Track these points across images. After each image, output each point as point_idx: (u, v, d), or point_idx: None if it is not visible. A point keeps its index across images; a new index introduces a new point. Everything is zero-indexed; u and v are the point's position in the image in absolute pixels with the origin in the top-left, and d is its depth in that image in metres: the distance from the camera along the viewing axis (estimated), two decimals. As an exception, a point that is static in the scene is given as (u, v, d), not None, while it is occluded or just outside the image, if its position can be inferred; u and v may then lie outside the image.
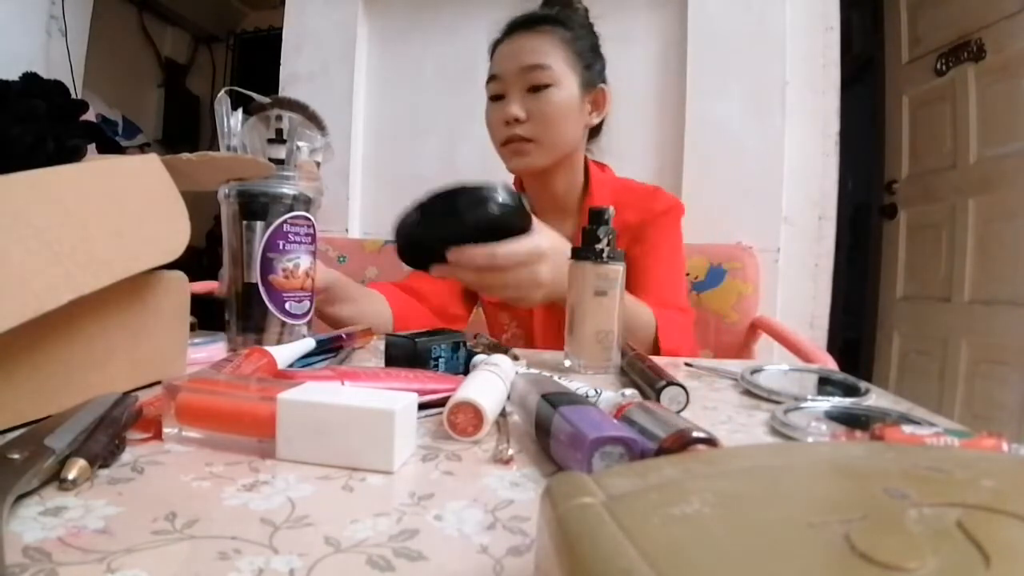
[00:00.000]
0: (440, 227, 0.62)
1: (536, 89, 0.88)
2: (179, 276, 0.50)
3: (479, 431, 0.37)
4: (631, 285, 0.86)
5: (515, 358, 0.60)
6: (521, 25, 0.92)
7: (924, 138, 2.19)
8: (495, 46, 0.94)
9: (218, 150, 0.71)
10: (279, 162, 0.75)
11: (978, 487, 0.18)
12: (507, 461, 0.34)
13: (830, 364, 0.83)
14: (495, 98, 0.91)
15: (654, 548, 0.15)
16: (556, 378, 0.47)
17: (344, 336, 0.68)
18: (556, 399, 0.37)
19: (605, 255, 0.63)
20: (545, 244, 0.64)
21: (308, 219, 0.76)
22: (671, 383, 0.49)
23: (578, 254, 0.64)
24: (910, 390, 2.11)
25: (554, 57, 0.88)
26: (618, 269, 0.63)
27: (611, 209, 0.64)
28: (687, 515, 0.17)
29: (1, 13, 1.73)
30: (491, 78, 0.91)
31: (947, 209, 2.03)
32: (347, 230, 1.60)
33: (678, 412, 0.46)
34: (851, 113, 1.61)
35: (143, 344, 0.46)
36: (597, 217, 0.64)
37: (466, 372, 0.53)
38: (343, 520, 0.26)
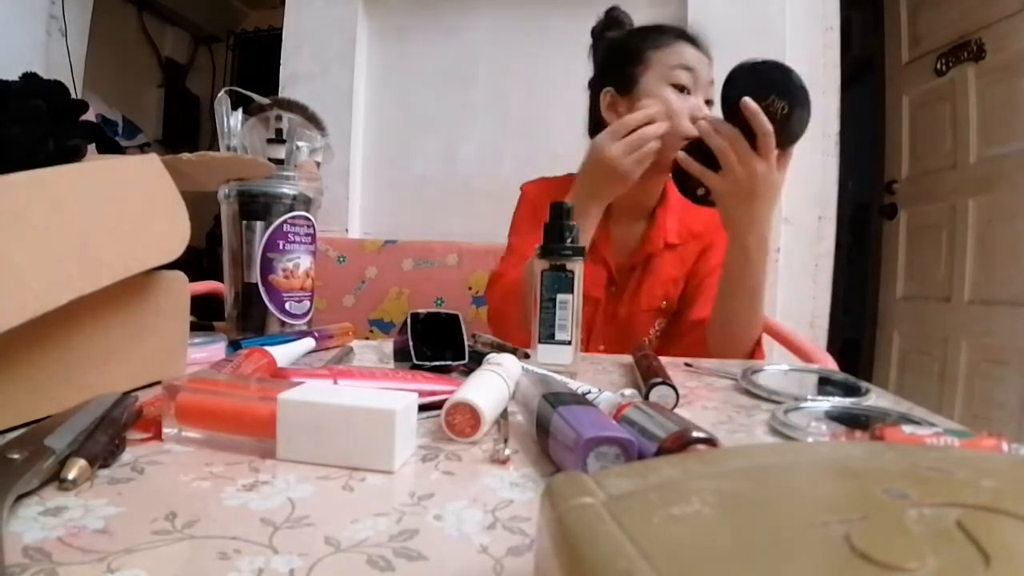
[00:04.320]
0: (770, 84, 0.70)
1: (707, 103, 0.94)
2: (179, 276, 0.50)
3: (477, 432, 0.37)
4: (692, 298, 0.98)
5: (525, 356, 0.60)
6: (700, 44, 0.97)
7: (924, 138, 2.19)
8: (668, 37, 0.96)
9: (218, 150, 0.71)
10: (279, 162, 0.75)
11: (978, 487, 0.18)
12: (503, 461, 0.34)
13: (830, 364, 0.83)
14: (682, 89, 0.93)
15: (654, 548, 0.15)
16: (561, 378, 0.47)
17: (317, 335, 0.68)
18: (556, 399, 0.37)
19: (567, 251, 0.59)
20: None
21: (308, 219, 0.76)
22: (662, 382, 0.48)
23: (542, 251, 0.61)
24: (910, 390, 2.11)
25: None
26: (575, 268, 0.59)
27: (570, 204, 0.62)
28: (687, 515, 0.17)
29: (1, 13, 1.72)
30: (686, 67, 0.93)
31: (947, 209, 2.03)
32: (347, 230, 1.60)
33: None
34: (851, 113, 1.61)
35: (143, 344, 0.46)
36: (558, 212, 0.61)
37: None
38: (343, 520, 0.26)
